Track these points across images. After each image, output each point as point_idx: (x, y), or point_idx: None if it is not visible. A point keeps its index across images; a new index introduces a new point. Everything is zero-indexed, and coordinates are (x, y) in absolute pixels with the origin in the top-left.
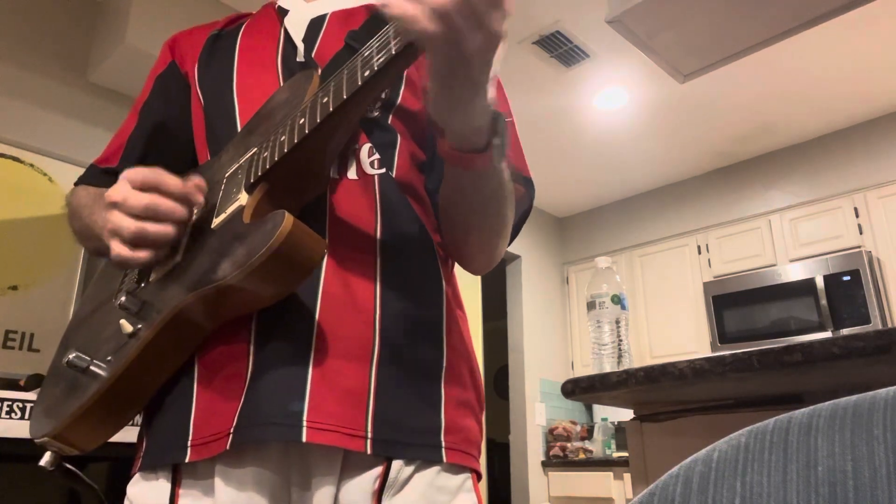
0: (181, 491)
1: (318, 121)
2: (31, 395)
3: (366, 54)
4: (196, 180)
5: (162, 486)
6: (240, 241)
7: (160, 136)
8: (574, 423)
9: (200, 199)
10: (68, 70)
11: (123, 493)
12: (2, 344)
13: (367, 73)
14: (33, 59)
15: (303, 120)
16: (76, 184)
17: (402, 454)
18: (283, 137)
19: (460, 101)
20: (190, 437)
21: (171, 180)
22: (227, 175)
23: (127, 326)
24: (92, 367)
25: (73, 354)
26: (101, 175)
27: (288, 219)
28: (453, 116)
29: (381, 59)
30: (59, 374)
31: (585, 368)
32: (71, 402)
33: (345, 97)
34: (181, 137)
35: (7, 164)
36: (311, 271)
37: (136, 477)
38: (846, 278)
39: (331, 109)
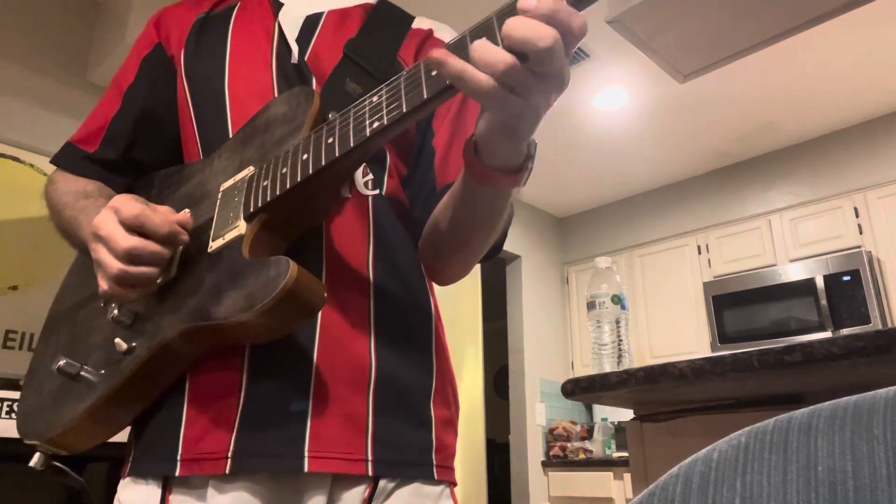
0: (171, 497)
1: (323, 164)
2: None
3: (374, 101)
4: (182, 216)
5: (152, 491)
6: (241, 281)
7: (146, 125)
8: (574, 423)
9: (185, 238)
10: (68, 70)
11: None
12: (2, 344)
13: (375, 126)
14: (33, 59)
15: (306, 156)
16: (52, 162)
17: (400, 473)
18: (285, 170)
19: (517, 135)
20: (179, 452)
21: (156, 220)
22: (222, 188)
23: (122, 345)
24: (83, 374)
25: (63, 361)
26: (81, 162)
27: (293, 268)
28: (506, 147)
29: (397, 112)
30: (47, 372)
31: (585, 368)
32: (65, 410)
33: (352, 145)
34: (167, 126)
35: (7, 164)
36: (313, 316)
37: (127, 480)
38: (846, 278)
39: (336, 155)
